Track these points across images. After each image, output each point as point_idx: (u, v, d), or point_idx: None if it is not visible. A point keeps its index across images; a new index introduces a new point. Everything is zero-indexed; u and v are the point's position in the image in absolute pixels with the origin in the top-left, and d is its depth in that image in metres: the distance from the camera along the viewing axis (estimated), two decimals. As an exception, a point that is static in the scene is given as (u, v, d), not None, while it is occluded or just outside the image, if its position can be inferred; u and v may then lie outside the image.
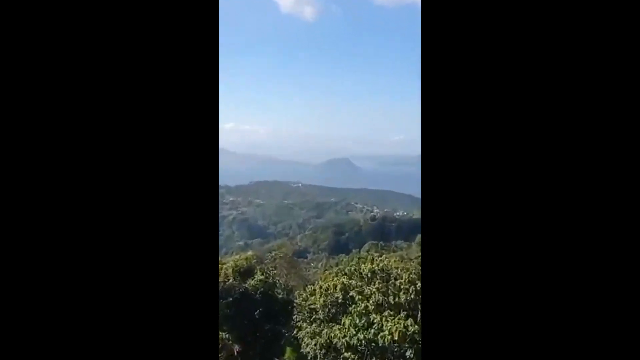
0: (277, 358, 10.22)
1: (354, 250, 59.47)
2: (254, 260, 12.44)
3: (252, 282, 10.61)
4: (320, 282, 10.75)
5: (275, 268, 14.75)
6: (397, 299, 7.81)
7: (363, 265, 9.76)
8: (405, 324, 7.01)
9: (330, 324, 8.39)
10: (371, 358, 7.07)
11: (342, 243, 71.22)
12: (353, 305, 8.48)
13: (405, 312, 7.55)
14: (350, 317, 7.82)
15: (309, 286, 11.44)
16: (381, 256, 10.47)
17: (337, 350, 7.50)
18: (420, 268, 8.03)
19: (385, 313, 7.45)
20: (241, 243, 76.24)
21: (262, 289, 10.66)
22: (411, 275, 7.90)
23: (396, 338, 6.94)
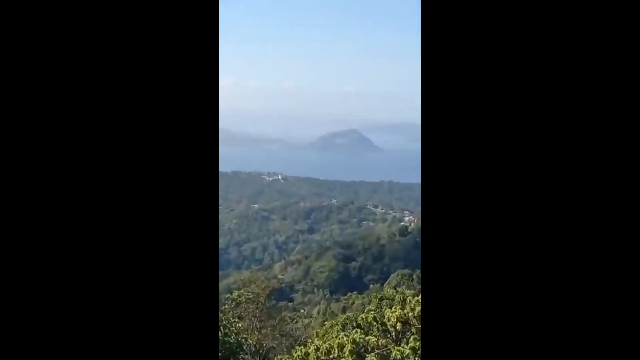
0: None
1: (372, 286, 60.03)
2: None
3: (203, 342, 10.95)
4: (316, 339, 11.01)
5: (241, 318, 15.00)
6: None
7: (388, 310, 9.83)
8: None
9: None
10: None
11: (353, 274, 71.71)
12: (372, 379, 8.54)
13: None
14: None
15: (297, 347, 11.81)
16: (418, 295, 10.52)
17: None
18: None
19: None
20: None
21: (220, 353, 11.03)
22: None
23: None
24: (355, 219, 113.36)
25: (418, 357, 8.50)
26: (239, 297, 16.39)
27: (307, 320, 28.73)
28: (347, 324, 11.39)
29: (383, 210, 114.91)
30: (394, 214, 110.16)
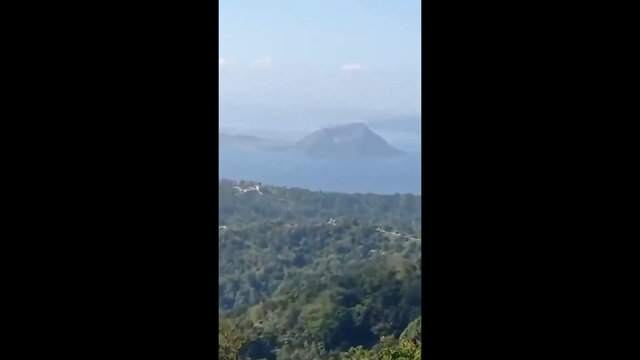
0: None
1: (383, 338, 59.47)
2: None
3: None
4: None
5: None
6: None
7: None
8: None
9: None
10: None
11: (357, 321, 71.61)
12: None
13: None
14: None
15: None
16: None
17: None
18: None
19: None
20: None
21: None
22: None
23: None
24: (361, 246, 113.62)
25: None
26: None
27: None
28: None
29: (399, 234, 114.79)
30: (414, 239, 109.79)
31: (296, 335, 69.48)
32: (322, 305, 73.06)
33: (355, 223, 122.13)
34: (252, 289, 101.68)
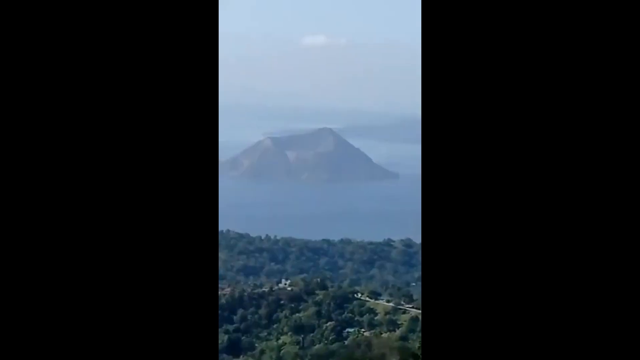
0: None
1: None
2: None
3: None
4: None
5: None
6: None
7: None
8: None
9: None
10: None
11: None
12: None
13: None
14: None
15: None
16: None
17: None
18: None
19: None
20: None
21: None
22: None
23: None
24: (332, 323, 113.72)
25: None
26: None
27: None
28: None
29: (392, 304, 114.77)
30: (416, 311, 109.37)
31: None
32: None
33: (323, 286, 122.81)
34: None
